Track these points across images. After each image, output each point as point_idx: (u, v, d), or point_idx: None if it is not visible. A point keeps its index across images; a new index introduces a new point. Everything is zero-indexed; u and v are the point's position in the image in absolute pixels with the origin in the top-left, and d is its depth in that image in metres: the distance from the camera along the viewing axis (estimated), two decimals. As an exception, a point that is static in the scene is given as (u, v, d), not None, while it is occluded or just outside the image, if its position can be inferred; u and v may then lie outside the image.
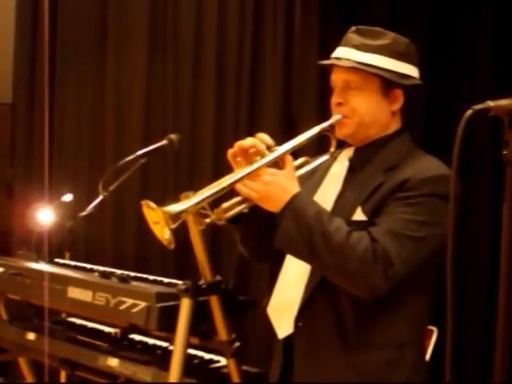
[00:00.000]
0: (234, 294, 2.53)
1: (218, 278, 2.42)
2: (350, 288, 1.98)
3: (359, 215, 2.02)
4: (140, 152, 3.00)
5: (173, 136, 3.03)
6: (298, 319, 2.08)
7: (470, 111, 1.45)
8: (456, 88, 3.40)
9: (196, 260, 2.43)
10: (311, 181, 2.23)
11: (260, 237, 2.16)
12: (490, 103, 1.46)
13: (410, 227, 1.95)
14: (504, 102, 1.47)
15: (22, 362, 3.35)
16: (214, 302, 2.39)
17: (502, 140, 1.47)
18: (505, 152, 1.46)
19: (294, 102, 3.95)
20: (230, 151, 2.06)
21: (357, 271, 1.91)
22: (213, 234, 3.90)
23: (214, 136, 4.22)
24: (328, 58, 2.18)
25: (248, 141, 2.04)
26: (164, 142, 3.02)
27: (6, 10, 5.19)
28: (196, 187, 1.99)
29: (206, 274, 2.41)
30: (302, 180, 2.10)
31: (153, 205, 1.89)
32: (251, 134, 2.09)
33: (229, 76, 4.22)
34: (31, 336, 2.98)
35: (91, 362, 2.73)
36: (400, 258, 1.92)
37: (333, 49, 2.19)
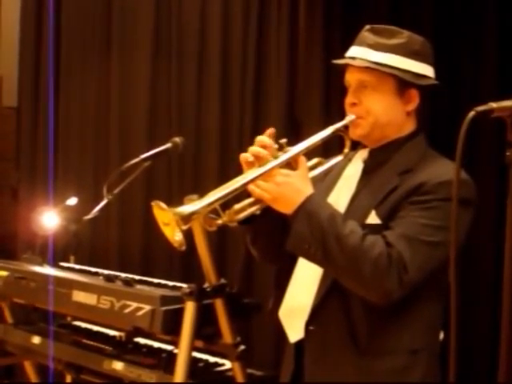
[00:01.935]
0: (238, 297, 2.52)
1: (223, 281, 2.41)
2: (362, 293, 1.93)
3: (373, 218, 1.98)
4: (144, 155, 2.99)
5: (177, 139, 3.01)
6: (309, 323, 2.04)
7: (472, 113, 1.45)
8: (460, 89, 3.40)
9: (201, 263, 2.43)
10: (325, 182, 2.19)
11: (272, 238, 2.12)
12: (493, 104, 1.46)
13: (425, 232, 1.91)
14: (507, 104, 1.46)
15: (28, 366, 3.35)
16: (219, 305, 2.39)
17: (505, 141, 1.47)
18: (508, 153, 1.46)
19: (299, 102, 3.95)
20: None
21: (370, 276, 1.86)
22: (218, 237, 3.90)
23: (218, 138, 4.22)
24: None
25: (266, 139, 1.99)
26: (168, 145, 3.00)
27: (10, 14, 5.20)
28: (201, 190, 1.98)
29: (211, 277, 2.40)
30: (316, 181, 2.05)
31: (164, 206, 1.84)
32: (256, 135, 2.04)
33: (233, 77, 4.24)
34: (36, 339, 2.98)
35: (96, 366, 2.72)
36: (415, 264, 1.88)
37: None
